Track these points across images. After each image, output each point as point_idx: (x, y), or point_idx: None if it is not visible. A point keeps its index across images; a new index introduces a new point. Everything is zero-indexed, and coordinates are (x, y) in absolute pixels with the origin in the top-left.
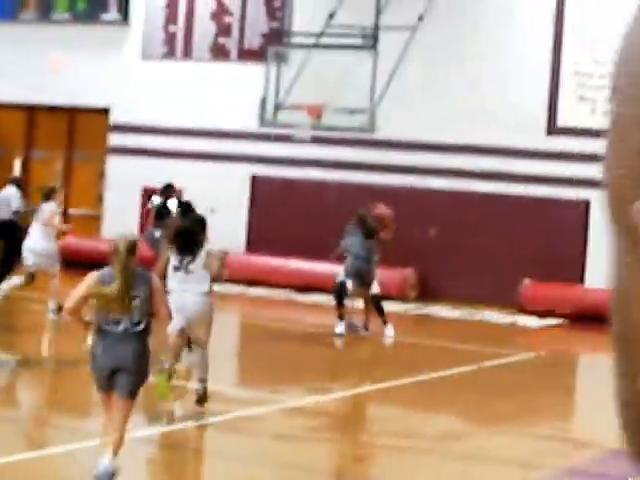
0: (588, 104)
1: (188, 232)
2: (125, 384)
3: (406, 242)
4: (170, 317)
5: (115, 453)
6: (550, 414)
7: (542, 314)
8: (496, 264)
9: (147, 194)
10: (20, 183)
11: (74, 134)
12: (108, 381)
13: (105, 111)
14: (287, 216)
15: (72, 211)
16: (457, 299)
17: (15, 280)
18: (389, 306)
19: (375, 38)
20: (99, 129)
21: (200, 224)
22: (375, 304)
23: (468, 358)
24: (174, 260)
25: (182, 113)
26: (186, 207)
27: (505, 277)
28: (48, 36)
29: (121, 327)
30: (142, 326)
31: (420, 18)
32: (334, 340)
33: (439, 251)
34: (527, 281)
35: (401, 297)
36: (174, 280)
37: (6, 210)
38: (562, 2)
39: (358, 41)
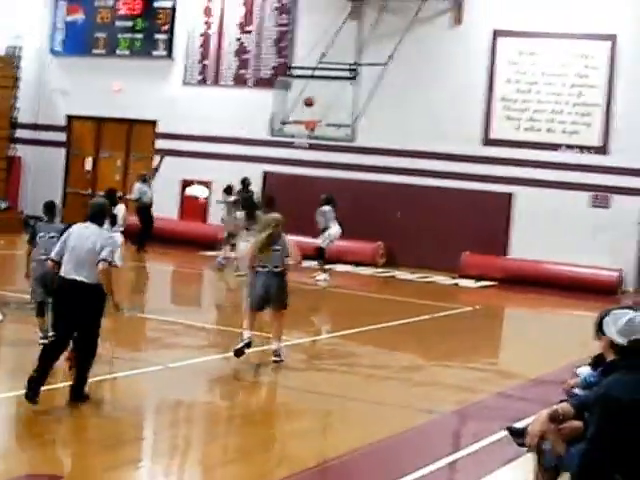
0: (513, 122)
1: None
2: (276, 304)
3: (377, 222)
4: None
5: (279, 339)
6: (485, 352)
7: (477, 278)
8: (444, 240)
9: (183, 185)
10: (146, 178)
11: (131, 139)
12: (260, 306)
13: (154, 123)
14: (289, 202)
15: (128, 196)
16: (414, 265)
17: None
18: (364, 270)
19: (356, 71)
20: (149, 136)
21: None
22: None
23: (423, 310)
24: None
25: (211, 125)
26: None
27: (450, 250)
28: (113, 67)
29: (267, 269)
30: (280, 269)
31: (390, 57)
32: (321, 295)
33: (402, 229)
34: (466, 253)
35: (372, 263)
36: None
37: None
38: (494, 50)
39: (343, 74)
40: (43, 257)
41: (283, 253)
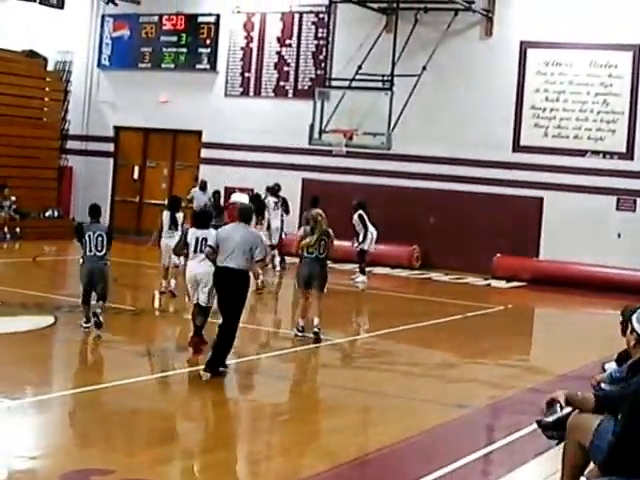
0: (541, 130)
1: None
2: (318, 285)
3: (413, 226)
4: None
5: (319, 317)
6: (515, 349)
7: (509, 279)
8: (476, 243)
9: (227, 192)
10: (204, 186)
11: (176, 149)
12: (306, 284)
13: (199, 133)
14: (326, 207)
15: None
16: (449, 267)
17: None
18: (401, 272)
19: (391, 82)
20: (194, 145)
21: None
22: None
23: (457, 310)
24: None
25: (253, 134)
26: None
27: (482, 252)
28: (159, 80)
29: (313, 255)
30: (323, 255)
31: (424, 68)
32: (359, 296)
33: (436, 233)
34: (498, 255)
35: (409, 266)
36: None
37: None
38: (523, 61)
39: (379, 85)
40: (90, 254)
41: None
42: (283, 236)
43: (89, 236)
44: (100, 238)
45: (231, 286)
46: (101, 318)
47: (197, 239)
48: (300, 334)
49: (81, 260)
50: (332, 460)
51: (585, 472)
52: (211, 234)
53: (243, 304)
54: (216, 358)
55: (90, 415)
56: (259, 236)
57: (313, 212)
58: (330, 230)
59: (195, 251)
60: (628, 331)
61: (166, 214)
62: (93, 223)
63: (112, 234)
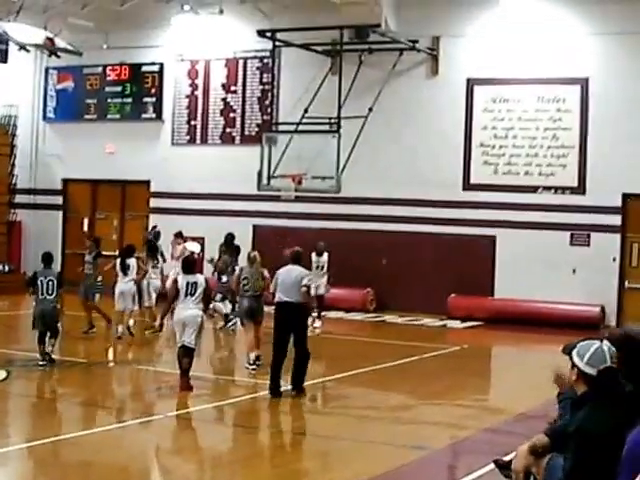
0: (491, 167)
1: None
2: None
3: (367, 269)
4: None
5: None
6: (472, 389)
7: (464, 319)
8: (430, 283)
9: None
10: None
11: (125, 199)
12: (248, 316)
13: (147, 183)
14: (279, 253)
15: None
16: (403, 309)
17: None
18: (355, 315)
19: (338, 125)
20: (143, 195)
21: None
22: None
23: (412, 351)
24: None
25: (201, 183)
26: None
27: (436, 293)
28: (105, 131)
29: (249, 293)
30: (258, 293)
31: (370, 109)
32: (314, 340)
33: (390, 275)
34: (452, 295)
35: (363, 309)
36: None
37: None
38: (470, 98)
39: (326, 127)
40: (42, 297)
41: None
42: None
43: (41, 281)
44: (51, 283)
45: (291, 316)
46: (53, 355)
47: (187, 284)
48: (252, 366)
49: (34, 303)
50: None
51: None
52: (199, 278)
53: (306, 330)
54: (299, 379)
55: (46, 468)
56: (306, 273)
57: (252, 254)
58: (265, 271)
59: (186, 295)
60: (569, 366)
61: (118, 261)
62: (45, 269)
63: (62, 279)
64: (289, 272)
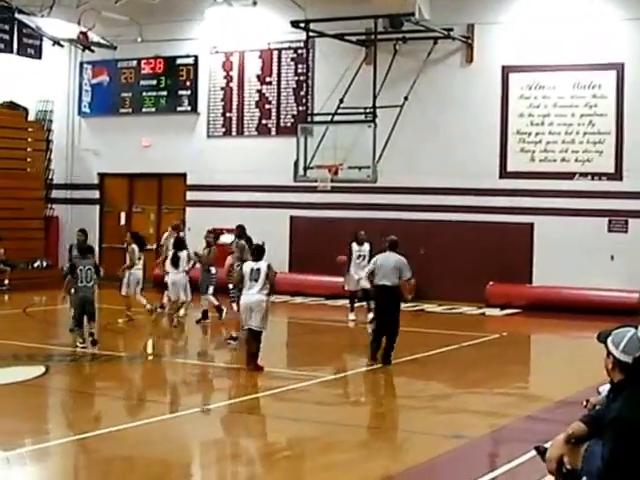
0: (528, 154)
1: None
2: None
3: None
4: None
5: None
6: (511, 377)
7: (502, 306)
8: (468, 272)
9: (216, 233)
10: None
11: (162, 193)
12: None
13: (183, 175)
14: (316, 244)
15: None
16: (442, 298)
17: None
18: None
19: (374, 114)
20: (179, 188)
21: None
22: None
23: (451, 340)
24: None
25: (238, 174)
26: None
27: (474, 281)
28: (140, 124)
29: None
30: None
31: (405, 98)
32: (353, 331)
33: (427, 264)
34: (491, 283)
35: (402, 299)
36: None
37: None
38: (506, 85)
39: (361, 117)
40: (82, 284)
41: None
42: None
43: (80, 270)
44: (90, 271)
45: (388, 298)
46: (95, 337)
47: (252, 270)
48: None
49: (73, 290)
50: None
51: None
52: (262, 265)
53: (398, 311)
54: (388, 352)
55: (87, 462)
56: (404, 261)
57: (241, 243)
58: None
59: (250, 280)
60: (605, 354)
61: (170, 254)
62: (83, 259)
63: (99, 269)
64: (387, 258)
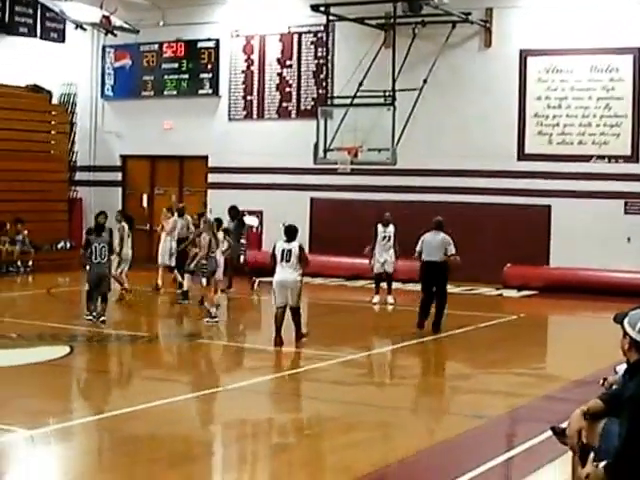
0: (545, 137)
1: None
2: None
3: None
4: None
5: None
6: (528, 358)
7: (520, 288)
8: (486, 253)
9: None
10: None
11: (183, 175)
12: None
13: (205, 158)
14: (336, 226)
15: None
16: (459, 279)
17: None
18: (413, 286)
19: (393, 97)
20: (201, 171)
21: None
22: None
23: (469, 321)
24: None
25: (259, 157)
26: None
27: (492, 262)
28: (162, 107)
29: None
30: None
31: (424, 81)
32: (373, 311)
33: None
34: (508, 265)
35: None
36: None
37: None
38: (523, 69)
39: (380, 100)
40: (96, 261)
41: None
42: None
43: (95, 247)
44: (104, 249)
45: (435, 272)
46: (104, 318)
47: (283, 250)
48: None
49: (88, 267)
50: (349, 474)
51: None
52: (294, 246)
53: (446, 284)
54: (438, 321)
55: (110, 441)
56: (449, 239)
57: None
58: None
59: (281, 260)
60: (621, 335)
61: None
62: (97, 237)
63: (112, 246)
64: (434, 236)
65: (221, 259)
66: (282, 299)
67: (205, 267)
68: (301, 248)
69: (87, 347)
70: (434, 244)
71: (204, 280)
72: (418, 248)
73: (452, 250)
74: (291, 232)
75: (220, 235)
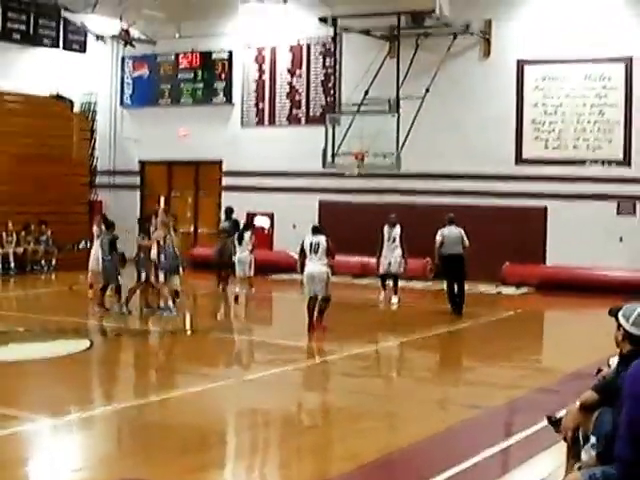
0: (542, 142)
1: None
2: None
3: (425, 240)
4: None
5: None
6: (526, 351)
7: (517, 285)
8: (486, 253)
9: (249, 216)
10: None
11: (199, 179)
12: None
13: (219, 163)
14: (343, 227)
15: (200, 230)
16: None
17: None
18: (415, 284)
19: (397, 105)
20: (215, 175)
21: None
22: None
23: (469, 317)
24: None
25: (270, 161)
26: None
27: (492, 261)
28: (178, 115)
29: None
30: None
31: (427, 90)
32: (376, 309)
33: None
34: (507, 263)
35: (423, 277)
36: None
37: None
38: (521, 78)
39: (385, 108)
40: (102, 256)
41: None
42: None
43: (102, 242)
44: (106, 245)
45: (456, 264)
46: (107, 306)
47: (311, 243)
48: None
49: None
50: (356, 460)
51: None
52: (322, 239)
53: (464, 272)
54: (460, 306)
55: (128, 429)
56: (464, 233)
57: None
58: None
59: (310, 252)
60: (615, 327)
61: (237, 234)
62: (107, 234)
63: (116, 243)
64: (451, 231)
65: (249, 257)
66: (311, 290)
67: (159, 262)
68: (328, 241)
69: (107, 341)
70: (452, 238)
71: (161, 275)
72: (439, 238)
73: (467, 243)
74: (317, 229)
75: (246, 236)
